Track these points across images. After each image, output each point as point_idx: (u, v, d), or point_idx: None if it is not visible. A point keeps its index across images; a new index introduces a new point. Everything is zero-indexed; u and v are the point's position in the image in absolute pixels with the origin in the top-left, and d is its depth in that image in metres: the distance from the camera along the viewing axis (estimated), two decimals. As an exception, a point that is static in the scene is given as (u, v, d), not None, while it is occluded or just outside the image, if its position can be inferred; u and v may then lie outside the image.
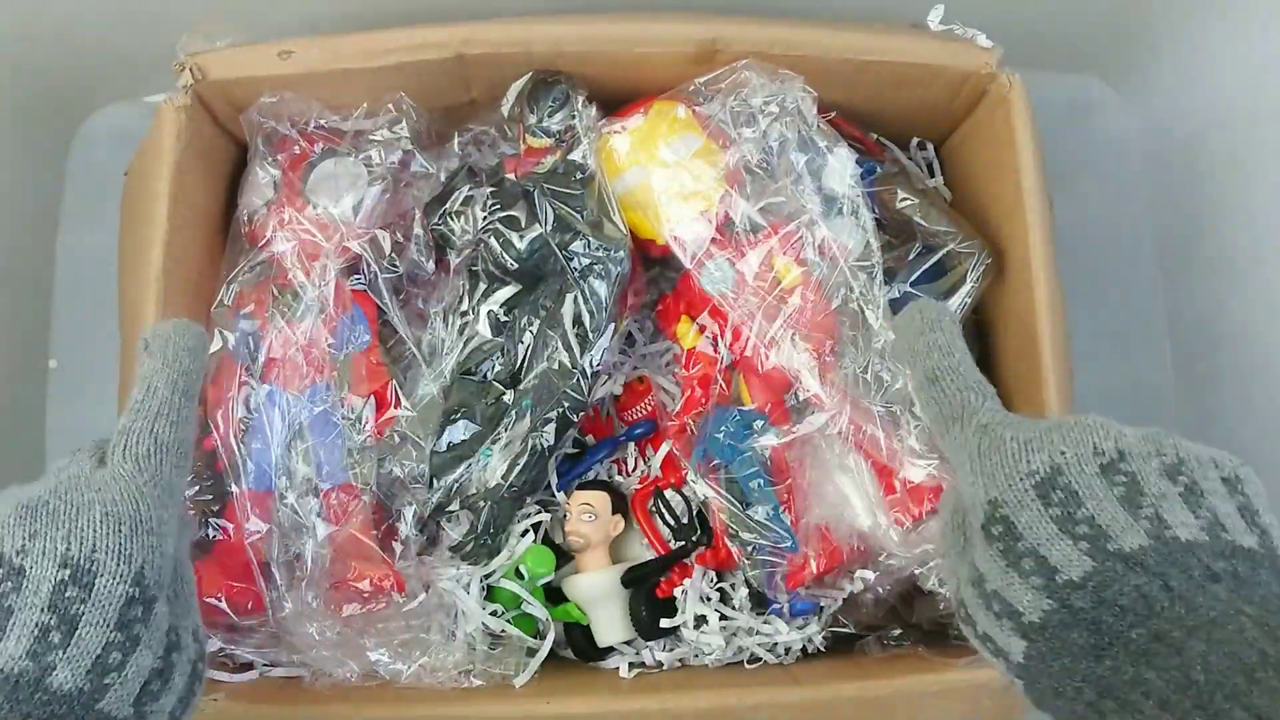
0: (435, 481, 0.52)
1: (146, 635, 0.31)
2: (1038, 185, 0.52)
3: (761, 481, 0.52)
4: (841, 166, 0.55)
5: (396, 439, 0.53)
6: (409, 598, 0.52)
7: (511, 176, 0.53)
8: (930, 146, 0.63)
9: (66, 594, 0.29)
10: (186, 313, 0.53)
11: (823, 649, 0.56)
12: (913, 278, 0.55)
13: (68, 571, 0.30)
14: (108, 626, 0.30)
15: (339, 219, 0.53)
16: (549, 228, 0.52)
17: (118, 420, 0.35)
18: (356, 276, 0.55)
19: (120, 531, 0.31)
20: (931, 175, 0.62)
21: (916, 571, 0.52)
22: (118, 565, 0.30)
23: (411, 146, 0.55)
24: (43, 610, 0.29)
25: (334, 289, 0.53)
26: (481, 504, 0.52)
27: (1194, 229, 0.67)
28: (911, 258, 0.55)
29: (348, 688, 0.51)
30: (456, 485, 0.52)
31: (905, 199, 0.55)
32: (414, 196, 0.56)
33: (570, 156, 0.53)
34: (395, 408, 0.54)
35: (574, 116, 0.53)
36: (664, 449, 0.56)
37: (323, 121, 0.55)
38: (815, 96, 0.53)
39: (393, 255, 0.55)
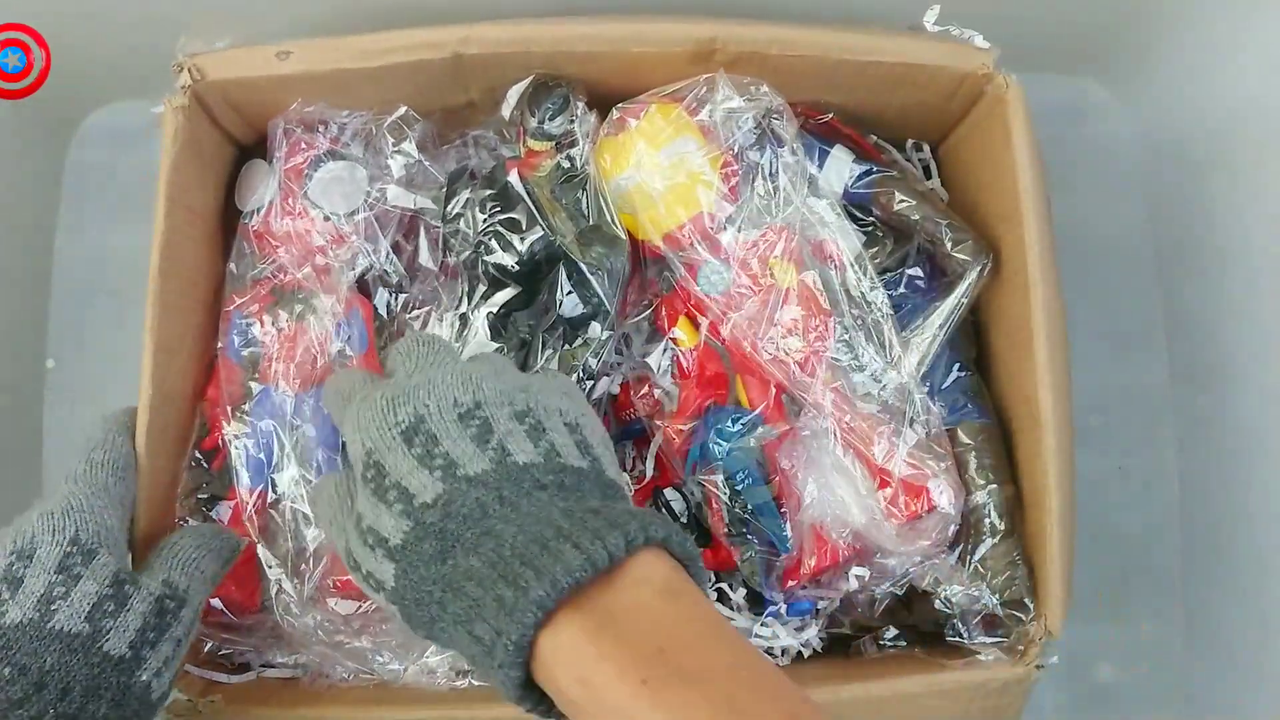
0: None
1: (88, 573, 0.41)
2: (1035, 186, 0.52)
3: (756, 481, 0.52)
4: (839, 167, 0.55)
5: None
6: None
7: (511, 179, 0.53)
8: (927, 148, 0.63)
9: (13, 568, 0.41)
10: (184, 313, 0.53)
11: (819, 650, 0.56)
12: (910, 278, 0.55)
13: (14, 556, 0.41)
14: (49, 573, 0.40)
15: (339, 221, 0.54)
16: (548, 230, 0.52)
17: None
18: (356, 277, 0.55)
19: (52, 518, 0.42)
20: (929, 176, 0.62)
21: (912, 570, 0.52)
22: (52, 537, 0.41)
23: (416, 154, 0.55)
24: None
25: (333, 290, 0.53)
26: (479, 504, 0.52)
27: (1191, 230, 0.67)
28: (909, 258, 0.55)
29: (345, 688, 0.51)
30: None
31: (903, 200, 0.55)
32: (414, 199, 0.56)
33: (570, 159, 0.53)
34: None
35: (573, 120, 0.53)
36: (655, 444, 0.56)
37: (325, 122, 0.55)
38: (783, 103, 0.53)
39: (392, 257, 0.55)
